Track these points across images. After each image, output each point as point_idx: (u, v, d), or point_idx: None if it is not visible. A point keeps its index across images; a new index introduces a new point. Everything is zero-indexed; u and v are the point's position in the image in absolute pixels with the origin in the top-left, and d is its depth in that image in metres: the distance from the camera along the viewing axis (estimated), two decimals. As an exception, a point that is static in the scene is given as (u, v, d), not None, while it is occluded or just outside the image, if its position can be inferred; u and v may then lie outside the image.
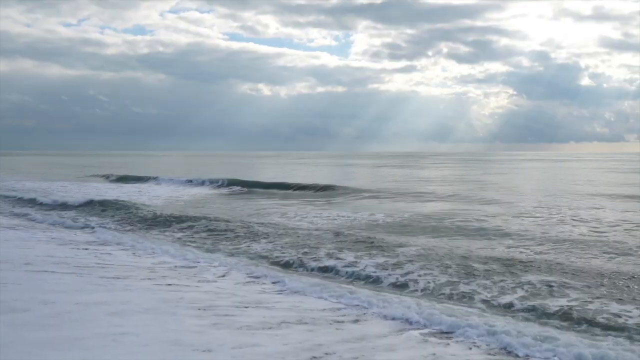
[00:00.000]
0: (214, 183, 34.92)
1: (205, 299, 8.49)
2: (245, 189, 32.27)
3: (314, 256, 12.02)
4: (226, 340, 6.60)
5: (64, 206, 22.64)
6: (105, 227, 16.80)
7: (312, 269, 11.04)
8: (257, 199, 27.59)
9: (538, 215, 18.23)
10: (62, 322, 7.10)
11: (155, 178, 40.12)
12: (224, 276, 10.24)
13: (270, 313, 7.78)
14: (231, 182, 34.38)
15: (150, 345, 6.41)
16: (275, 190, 31.38)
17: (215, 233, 15.66)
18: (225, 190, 32.58)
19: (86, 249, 13.00)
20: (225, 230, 15.88)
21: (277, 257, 12.26)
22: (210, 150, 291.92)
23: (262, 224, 17.14)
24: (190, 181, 36.75)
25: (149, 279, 9.87)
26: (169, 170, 55.58)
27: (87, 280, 9.59)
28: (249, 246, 13.64)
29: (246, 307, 8.10)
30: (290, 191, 30.50)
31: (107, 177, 44.46)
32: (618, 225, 15.72)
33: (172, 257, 12.06)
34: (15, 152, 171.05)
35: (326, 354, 6.24)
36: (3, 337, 6.49)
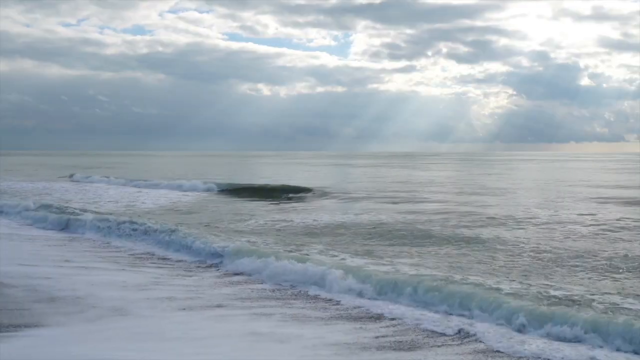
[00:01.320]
0: (197, 186, 32.19)
1: (271, 296, 8.56)
2: (216, 191, 30.24)
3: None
4: (300, 333, 6.69)
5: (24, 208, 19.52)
6: (108, 229, 14.95)
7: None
8: (218, 202, 25.54)
9: (537, 217, 17.13)
10: (134, 317, 7.16)
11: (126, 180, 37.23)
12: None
13: (339, 312, 7.77)
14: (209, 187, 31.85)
15: (226, 337, 6.50)
16: (246, 193, 28.95)
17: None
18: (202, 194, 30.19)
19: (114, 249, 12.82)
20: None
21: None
22: (210, 150, 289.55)
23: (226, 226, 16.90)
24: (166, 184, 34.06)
25: (213, 277, 9.91)
26: (158, 171, 53.48)
27: (144, 276, 9.68)
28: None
29: (316, 304, 8.17)
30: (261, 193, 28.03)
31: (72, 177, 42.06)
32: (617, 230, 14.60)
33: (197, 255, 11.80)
34: (16, 152, 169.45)
35: (409, 347, 6.34)
36: (77, 332, 6.53)
